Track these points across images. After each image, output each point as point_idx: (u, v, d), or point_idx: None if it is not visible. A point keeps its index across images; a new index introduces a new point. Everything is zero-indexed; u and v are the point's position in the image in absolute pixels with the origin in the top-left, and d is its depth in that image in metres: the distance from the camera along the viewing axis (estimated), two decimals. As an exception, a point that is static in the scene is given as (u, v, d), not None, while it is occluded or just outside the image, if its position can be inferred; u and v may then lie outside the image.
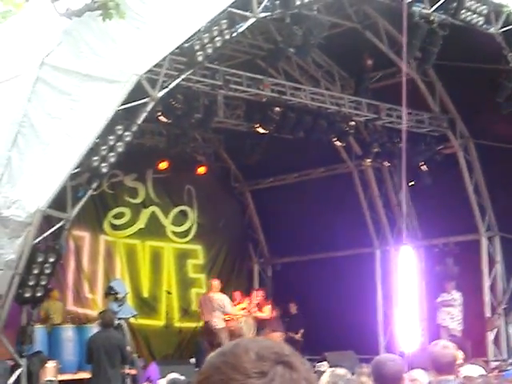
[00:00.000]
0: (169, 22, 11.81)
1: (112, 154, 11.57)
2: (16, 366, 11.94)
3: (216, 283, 17.51)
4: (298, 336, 18.58)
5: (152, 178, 19.25)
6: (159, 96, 12.03)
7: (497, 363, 16.64)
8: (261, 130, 16.04)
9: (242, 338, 1.89)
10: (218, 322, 16.64)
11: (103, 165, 11.53)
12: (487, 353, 17.18)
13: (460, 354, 8.21)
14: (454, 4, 14.03)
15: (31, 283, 11.55)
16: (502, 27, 14.66)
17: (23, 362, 12.01)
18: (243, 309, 17.75)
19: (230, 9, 11.97)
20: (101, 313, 14.26)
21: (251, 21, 12.49)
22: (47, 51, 11.95)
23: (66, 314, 16.46)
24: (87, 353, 12.90)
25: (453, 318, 17.24)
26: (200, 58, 12.00)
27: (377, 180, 19.04)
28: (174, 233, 19.72)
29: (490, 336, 17.45)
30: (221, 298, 16.97)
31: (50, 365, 13.54)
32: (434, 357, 5.72)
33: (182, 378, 9.91)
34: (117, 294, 15.03)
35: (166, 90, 12.17)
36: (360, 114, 17.00)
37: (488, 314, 17.60)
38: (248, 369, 1.75)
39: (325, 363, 13.71)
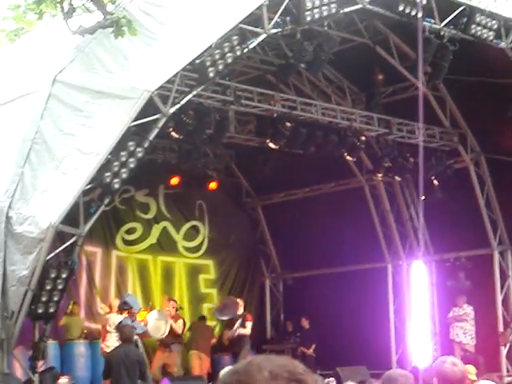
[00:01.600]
0: (180, 38, 11.88)
1: (124, 169, 11.63)
2: (29, 382, 11.95)
3: (116, 302, 15.88)
4: (310, 351, 18.54)
5: (164, 194, 19.29)
6: (171, 112, 12.09)
7: (510, 378, 16.55)
8: (272, 145, 16.06)
9: (256, 356, 1.90)
10: (110, 344, 14.74)
11: (115, 181, 11.59)
12: (501, 368, 17.09)
13: (473, 370, 8.19)
14: (464, 19, 14.07)
15: (44, 299, 11.58)
16: (512, 41, 14.69)
17: (36, 377, 12.03)
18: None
19: (241, 25, 12.04)
20: (117, 326, 14.20)
21: (262, 37, 12.55)
22: (60, 68, 12.04)
23: (83, 330, 16.48)
24: (106, 368, 12.81)
25: (466, 332, 17.19)
26: (211, 74, 12.06)
27: (388, 194, 19.02)
28: (186, 248, 19.73)
29: (504, 351, 17.36)
30: (115, 319, 15.12)
31: (63, 380, 13.54)
32: (444, 374, 5.67)
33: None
34: (131, 308, 15.02)
35: (177, 106, 12.23)
36: (371, 129, 17.01)
37: (501, 328, 17.52)
38: (261, 387, 1.77)
39: (332, 379, 13.64)
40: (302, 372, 1.85)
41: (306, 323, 19.07)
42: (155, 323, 15.78)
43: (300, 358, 17.98)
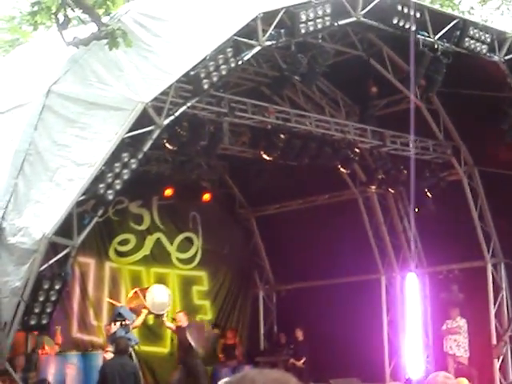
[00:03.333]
0: (175, 50, 11.91)
1: (118, 181, 11.63)
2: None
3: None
4: (299, 363, 18.49)
5: (157, 205, 19.27)
6: (165, 123, 12.10)
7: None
8: (266, 157, 16.08)
9: (250, 370, 1.91)
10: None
11: (109, 192, 11.58)
12: (494, 381, 17.08)
13: (467, 383, 8.19)
14: (458, 32, 14.13)
15: (37, 310, 11.54)
16: (505, 55, 14.74)
17: (28, 389, 11.99)
18: None
19: (235, 37, 12.06)
20: (112, 338, 14.14)
21: (256, 49, 12.57)
22: (54, 79, 12.05)
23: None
24: (101, 379, 12.76)
25: (459, 345, 17.19)
26: (206, 86, 12.08)
27: (381, 207, 19.04)
28: (179, 259, 19.71)
29: (497, 364, 17.35)
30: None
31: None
32: None
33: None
34: (124, 320, 14.99)
35: (171, 118, 12.24)
36: (365, 141, 17.03)
37: (494, 341, 17.52)
38: (255, 400, 1.77)
39: None
40: (295, 386, 1.86)
41: (300, 335, 19.03)
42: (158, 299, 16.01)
43: (292, 371, 17.95)
